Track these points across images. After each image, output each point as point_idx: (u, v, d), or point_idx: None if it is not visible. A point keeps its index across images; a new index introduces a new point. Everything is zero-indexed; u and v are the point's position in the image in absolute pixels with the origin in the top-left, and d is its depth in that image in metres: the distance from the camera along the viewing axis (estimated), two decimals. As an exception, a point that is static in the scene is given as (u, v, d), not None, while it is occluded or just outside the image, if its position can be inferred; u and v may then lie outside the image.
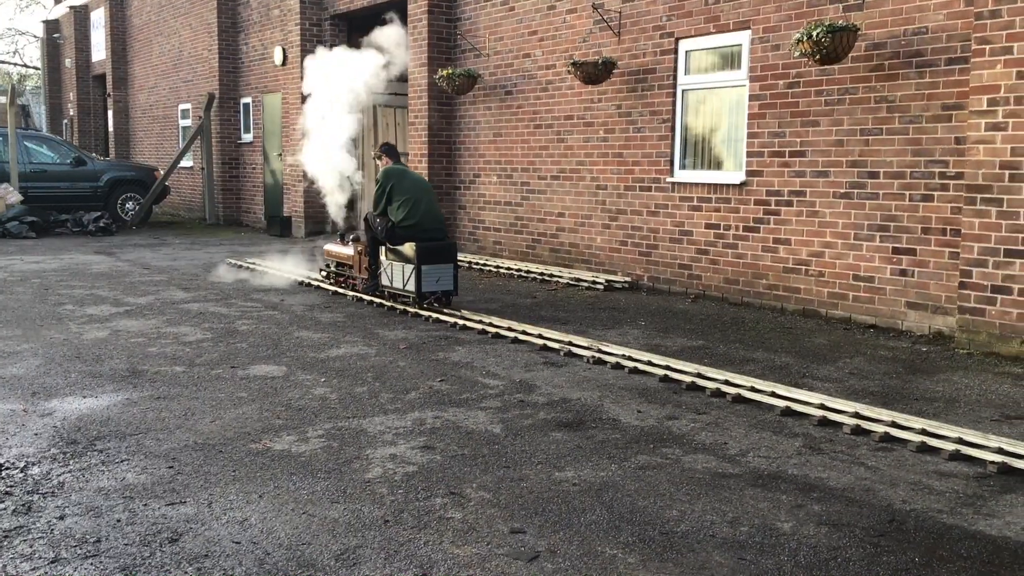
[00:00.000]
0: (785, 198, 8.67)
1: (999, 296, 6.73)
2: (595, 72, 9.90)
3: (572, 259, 11.21)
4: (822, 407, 5.32)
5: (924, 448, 4.64)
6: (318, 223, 16.25)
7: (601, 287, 10.12)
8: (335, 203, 10.95)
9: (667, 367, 6.31)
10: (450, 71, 11.76)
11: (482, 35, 12.37)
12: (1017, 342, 6.61)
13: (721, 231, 9.32)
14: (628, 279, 10.30)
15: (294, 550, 3.49)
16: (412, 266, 8.35)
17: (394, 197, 8.60)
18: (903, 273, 7.72)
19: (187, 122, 21.22)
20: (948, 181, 7.34)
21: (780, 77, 8.60)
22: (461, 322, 8.03)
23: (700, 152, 9.72)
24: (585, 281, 10.37)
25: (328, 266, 10.12)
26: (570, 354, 6.84)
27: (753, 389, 5.70)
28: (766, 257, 8.86)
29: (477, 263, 11.97)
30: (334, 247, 10.00)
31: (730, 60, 9.19)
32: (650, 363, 6.42)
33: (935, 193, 7.46)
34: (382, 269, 8.88)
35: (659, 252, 10.02)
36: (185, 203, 21.68)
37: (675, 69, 9.70)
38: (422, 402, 5.57)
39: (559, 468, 4.41)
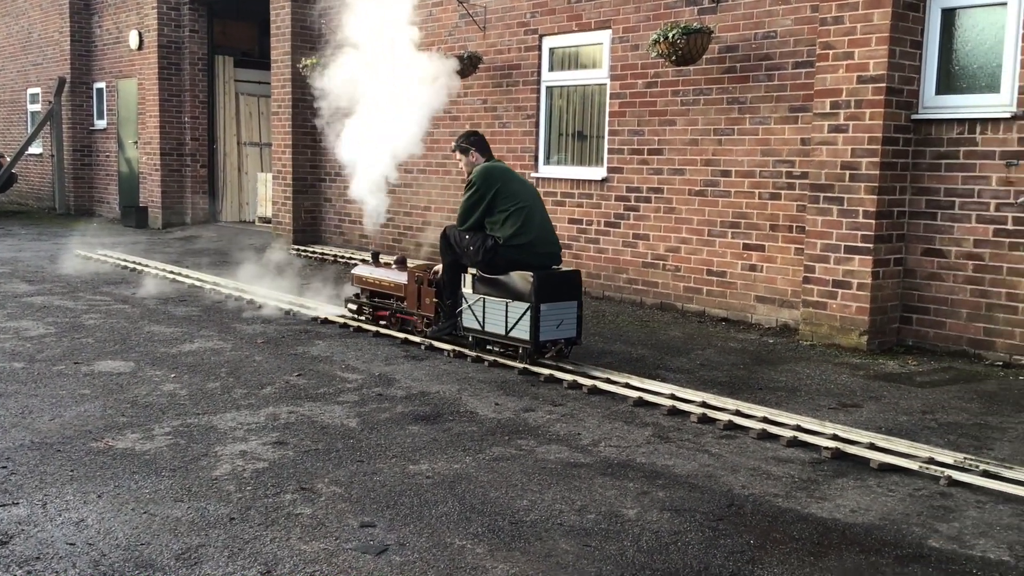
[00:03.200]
0: (644, 195, 8.88)
1: (840, 291, 7.08)
2: (461, 66, 9.89)
3: (437, 254, 11.17)
4: (672, 397, 5.49)
5: (765, 435, 4.84)
6: (177, 214, 15.73)
7: (466, 281, 10.13)
8: (374, 209, 8.25)
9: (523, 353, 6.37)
10: (314, 60, 11.56)
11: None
12: (856, 334, 6.97)
13: (584, 226, 9.48)
14: (493, 273, 10.34)
15: (132, 550, 3.37)
16: (524, 304, 6.06)
17: (498, 206, 6.31)
18: (752, 268, 8.03)
19: (36, 107, 20.15)
20: (794, 180, 7.67)
21: (639, 76, 8.80)
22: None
23: (564, 148, 9.86)
24: (450, 275, 10.36)
25: (358, 296, 7.69)
26: (431, 348, 6.83)
27: (608, 381, 5.83)
28: (626, 252, 9.06)
29: (342, 257, 11.82)
30: (368, 271, 7.52)
31: (592, 59, 9.36)
32: (509, 355, 6.47)
33: (782, 192, 7.78)
34: (467, 305, 6.49)
35: (523, 246, 10.10)
36: (34, 192, 20.59)
37: (539, 66, 9.81)
38: (277, 397, 5.47)
39: (414, 461, 4.40)
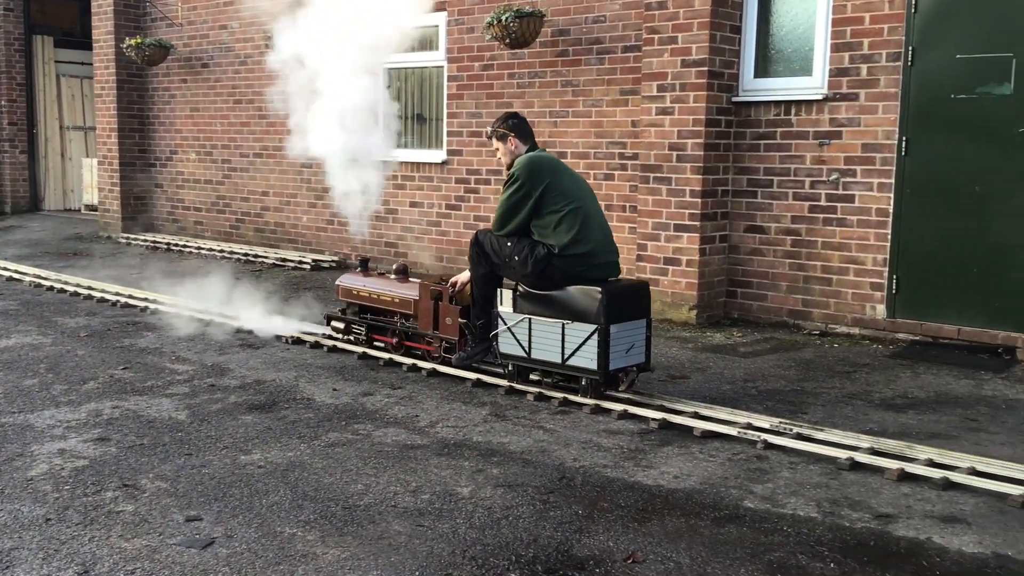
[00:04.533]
0: (484, 177, 8.94)
1: (670, 267, 7.34)
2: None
3: (278, 239, 10.95)
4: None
5: (598, 410, 4.97)
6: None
7: (308, 267, 9.97)
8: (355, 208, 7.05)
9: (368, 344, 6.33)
10: (139, 40, 11.06)
11: (173, 3, 11.71)
12: (686, 309, 7.24)
13: (425, 209, 9.47)
14: (336, 258, 10.22)
15: (-66, 561, 3.17)
16: (589, 327, 4.96)
17: (548, 206, 5.16)
18: (590, 247, 8.21)
19: None
20: (626, 161, 7.89)
21: (476, 59, 8.84)
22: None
23: (404, 131, 9.80)
24: (292, 261, 10.17)
25: (344, 312, 6.46)
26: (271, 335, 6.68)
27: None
28: (468, 235, 9.10)
29: (176, 244, 11.39)
30: (361, 282, 6.28)
31: (429, 41, 9.33)
32: (350, 340, 6.41)
33: (616, 172, 8.00)
34: (506, 326, 5.33)
35: (366, 231, 10.01)
36: None
37: (376, 47, 9.69)
38: (100, 392, 5.24)
39: (245, 451, 4.31)
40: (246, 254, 10.63)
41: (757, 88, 7.16)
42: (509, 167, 5.41)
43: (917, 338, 6.58)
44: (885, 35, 6.48)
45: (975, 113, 6.20)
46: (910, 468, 4.02)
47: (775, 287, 7.21)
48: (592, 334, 4.95)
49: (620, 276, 5.40)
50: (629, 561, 3.21)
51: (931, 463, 4.09)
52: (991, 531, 3.46)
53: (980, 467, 4.03)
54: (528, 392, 5.27)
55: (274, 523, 3.52)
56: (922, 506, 3.71)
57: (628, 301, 5.12)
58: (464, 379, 5.58)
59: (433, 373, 5.71)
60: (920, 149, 6.45)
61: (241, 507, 3.67)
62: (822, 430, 4.54)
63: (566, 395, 5.13)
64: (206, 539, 3.37)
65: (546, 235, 5.14)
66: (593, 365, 4.96)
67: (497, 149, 5.57)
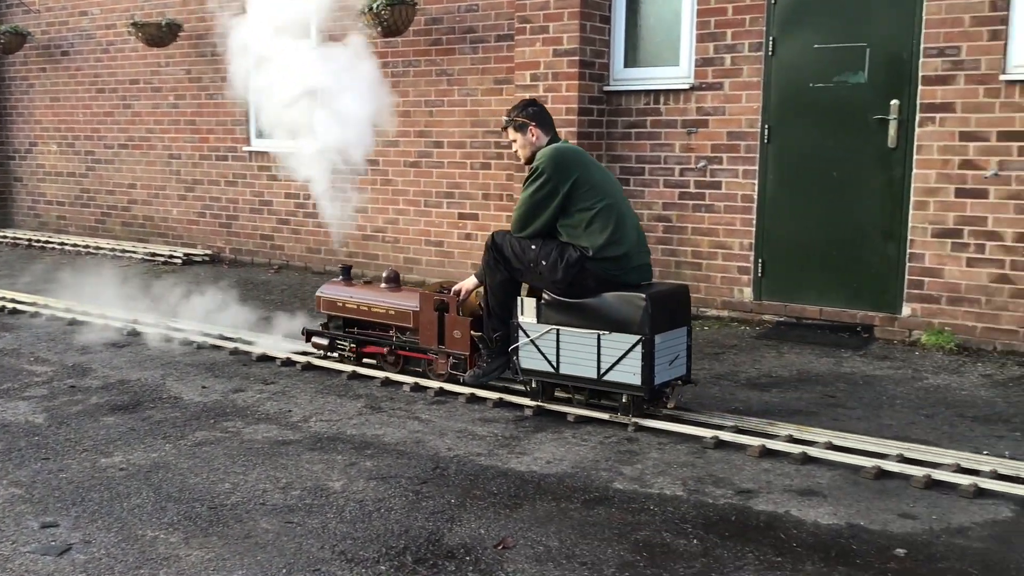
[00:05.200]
0: (360, 167, 8.83)
1: (547, 255, 7.40)
2: (159, 34, 9.37)
3: (148, 233, 10.58)
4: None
5: (474, 399, 4.98)
6: None
7: (179, 261, 9.67)
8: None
9: (240, 339, 6.18)
10: (-6, 26, 10.50)
11: (31, -12, 11.16)
12: (563, 296, 7.32)
13: (301, 200, 9.30)
14: (209, 252, 9.94)
15: None
16: (631, 337, 4.45)
17: (577, 203, 4.63)
18: (468, 237, 8.22)
19: None
20: (502, 150, 7.91)
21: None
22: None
23: (278, 121, 9.58)
24: (162, 255, 9.85)
25: (326, 326, 5.75)
26: (134, 332, 6.45)
27: (324, 356, 5.76)
28: (346, 225, 8.99)
29: (39, 241, 10.88)
30: (346, 293, 5.63)
31: (301, 29, 9.13)
32: (221, 336, 6.25)
33: (492, 162, 8.01)
34: (529, 339, 4.77)
35: (240, 223, 9.78)
36: None
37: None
38: (-50, 397, 4.97)
39: (107, 454, 4.15)
40: (113, 249, 10.24)
41: (627, 78, 7.28)
42: (528, 161, 4.90)
43: (782, 319, 6.82)
44: (747, 25, 6.68)
45: (832, 101, 6.45)
46: (771, 445, 4.17)
47: (649, 273, 7.35)
48: (635, 346, 4.43)
49: (651, 280, 4.85)
50: (499, 547, 3.23)
51: (791, 439, 4.25)
52: (845, 503, 3.62)
53: (837, 442, 4.21)
54: (404, 383, 5.24)
55: (135, 526, 3.41)
56: (782, 481, 3.85)
57: (670, 307, 4.60)
58: (340, 372, 5.51)
59: (308, 367, 5.62)
60: (782, 136, 6.68)
61: (100, 511, 3.53)
62: (690, 411, 4.66)
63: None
64: (62, 546, 3.24)
65: (576, 236, 4.60)
66: (636, 380, 4.43)
67: (514, 141, 4.98)
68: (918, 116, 6.10)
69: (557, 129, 5.03)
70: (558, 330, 4.67)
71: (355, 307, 5.53)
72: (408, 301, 5.32)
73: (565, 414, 4.68)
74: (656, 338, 4.44)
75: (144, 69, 10.26)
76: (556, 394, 4.83)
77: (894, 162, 6.25)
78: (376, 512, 3.53)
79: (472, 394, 4.99)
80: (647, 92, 7.14)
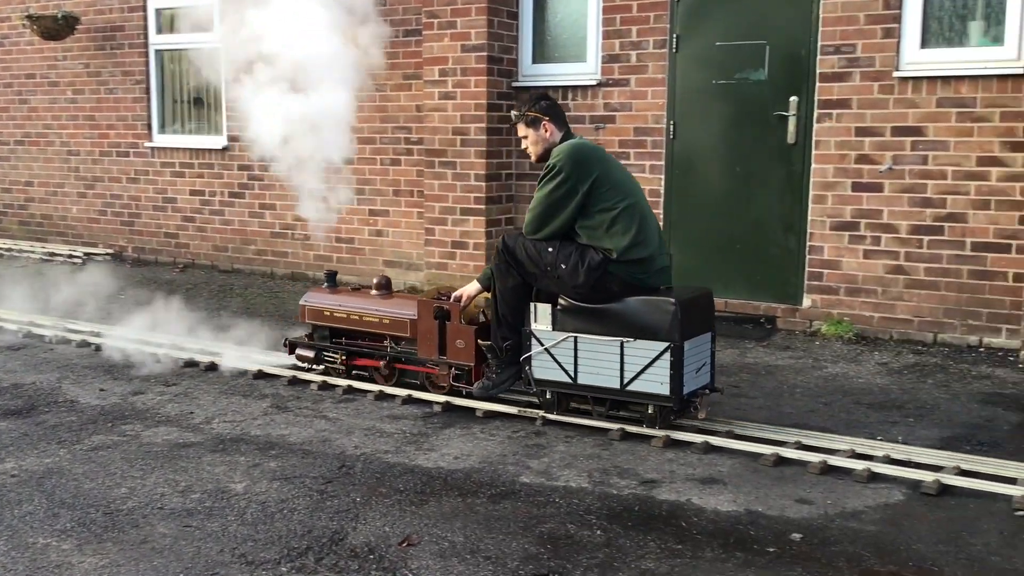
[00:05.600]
0: (268, 163, 8.68)
1: (458, 251, 7.40)
2: (55, 27, 9.06)
3: (46, 232, 10.23)
4: (294, 367, 5.43)
5: (382, 396, 4.94)
6: None
7: (80, 261, 9.37)
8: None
9: (142, 341, 6.02)
10: None
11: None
12: (474, 291, 7.32)
13: (207, 197, 9.10)
14: (110, 251, 9.66)
15: None
16: (658, 344, 4.19)
17: (597, 203, 4.35)
18: (379, 234, 8.16)
19: None
20: (412, 146, 7.87)
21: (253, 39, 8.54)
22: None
23: (181, 116, 9.37)
24: (61, 255, 9.53)
25: (311, 336, 5.33)
26: (31, 335, 6.23)
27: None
28: (253, 223, 8.83)
29: (-71, 241, 10.43)
30: (334, 301, 5.25)
31: (202, 21, 8.94)
32: (122, 337, 6.07)
33: (402, 158, 7.96)
34: (543, 347, 4.46)
35: (142, 221, 9.52)
36: None
37: (146, 28, 9.21)
38: None
39: (-3, 461, 4.00)
40: (9, 249, 9.87)
41: (536, 73, 7.31)
42: (540, 158, 4.59)
43: (690, 312, 6.93)
44: (651, 23, 6.77)
45: (735, 97, 6.58)
46: (675, 435, 4.23)
47: (559, 268, 7.39)
48: (663, 353, 4.16)
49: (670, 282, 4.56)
50: (404, 545, 3.21)
51: (696, 430, 4.32)
52: (745, 490, 3.69)
53: (738, 430, 4.29)
54: (312, 381, 5.16)
55: (26, 534, 3.29)
56: (684, 470, 3.91)
57: (697, 312, 4.36)
58: (245, 371, 5.41)
59: (211, 367, 5.50)
60: (686, 132, 6.79)
61: (-12, 521, 3.40)
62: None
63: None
64: (-55, 558, 3.11)
65: (597, 238, 4.32)
66: (664, 390, 4.17)
67: (524, 137, 4.65)
68: (816, 112, 6.27)
69: (463, 124, 5.01)
70: (576, 338, 4.35)
71: (345, 316, 5.13)
72: (405, 309, 4.96)
73: (474, 409, 4.67)
74: (685, 345, 4.19)
75: (40, 63, 9.91)
76: (572, 405, 4.51)
77: (794, 157, 6.41)
78: (279, 513, 3.48)
79: (380, 392, 4.95)
80: (555, 88, 7.17)
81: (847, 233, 6.26)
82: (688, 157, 6.81)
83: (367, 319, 5.07)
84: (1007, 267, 5.81)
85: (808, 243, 6.40)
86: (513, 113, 4.75)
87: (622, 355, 4.25)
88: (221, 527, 3.36)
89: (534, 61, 7.34)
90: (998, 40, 5.76)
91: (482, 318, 4.82)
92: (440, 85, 7.26)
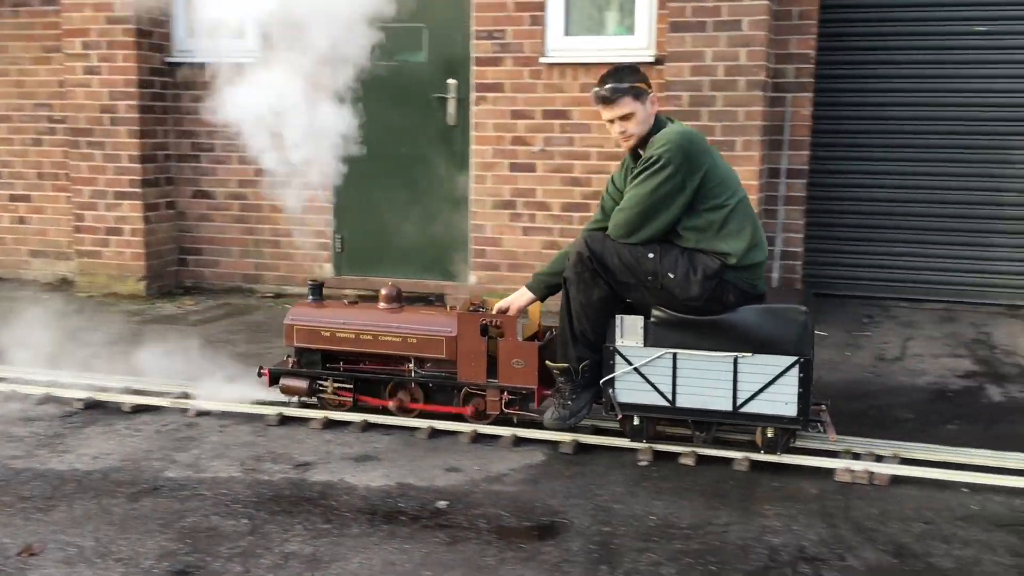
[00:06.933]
0: None
1: (113, 238, 6.91)
2: None
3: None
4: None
5: (14, 396, 4.51)
6: None
7: None
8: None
9: None
10: None
11: None
12: (133, 280, 6.88)
13: None
14: None
15: None
16: (784, 360, 3.65)
17: (707, 200, 3.71)
18: (22, 221, 7.45)
19: None
20: (56, 125, 7.24)
21: None
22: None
23: None
24: None
25: (297, 362, 4.33)
26: None
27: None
28: None
29: None
30: (331, 318, 4.29)
31: None
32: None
33: (44, 137, 7.31)
34: (633, 367, 3.81)
35: None
36: None
37: None
38: None
39: None
40: None
41: (191, 48, 6.96)
42: (635, 145, 3.81)
43: (362, 292, 6.94)
44: (311, 1, 6.65)
45: (396, 79, 6.64)
46: (335, 416, 4.21)
47: (227, 252, 7.14)
48: (789, 368, 3.65)
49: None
50: (23, 555, 2.94)
51: (356, 408, 4.32)
52: (399, 463, 3.75)
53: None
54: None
55: None
56: (341, 450, 3.90)
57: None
58: None
59: None
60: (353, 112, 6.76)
61: None
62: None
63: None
64: None
65: (707, 240, 3.71)
66: (790, 410, 3.66)
67: (627, 117, 3.74)
68: (473, 95, 6.48)
69: (112, 101, 4.65)
70: (675, 354, 3.79)
71: (353, 337, 4.22)
72: (441, 325, 4.14)
73: (121, 405, 4.38)
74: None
75: None
76: (660, 428, 3.94)
77: (455, 138, 6.60)
78: None
79: (13, 391, 4.51)
80: (213, 64, 6.87)
81: (507, 212, 6.54)
82: (356, 138, 6.78)
83: (384, 339, 4.18)
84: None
85: (472, 222, 6.62)
86: (606, 88, 3.77)
87: (735, 373, 3.71)
88: None
89: (190, 35, 6.98)
90: (631, 30, 6.25)
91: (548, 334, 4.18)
92: (83, 59, 6.72)
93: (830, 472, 3.60)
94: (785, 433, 3.73)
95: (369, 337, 4.20)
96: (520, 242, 6.54)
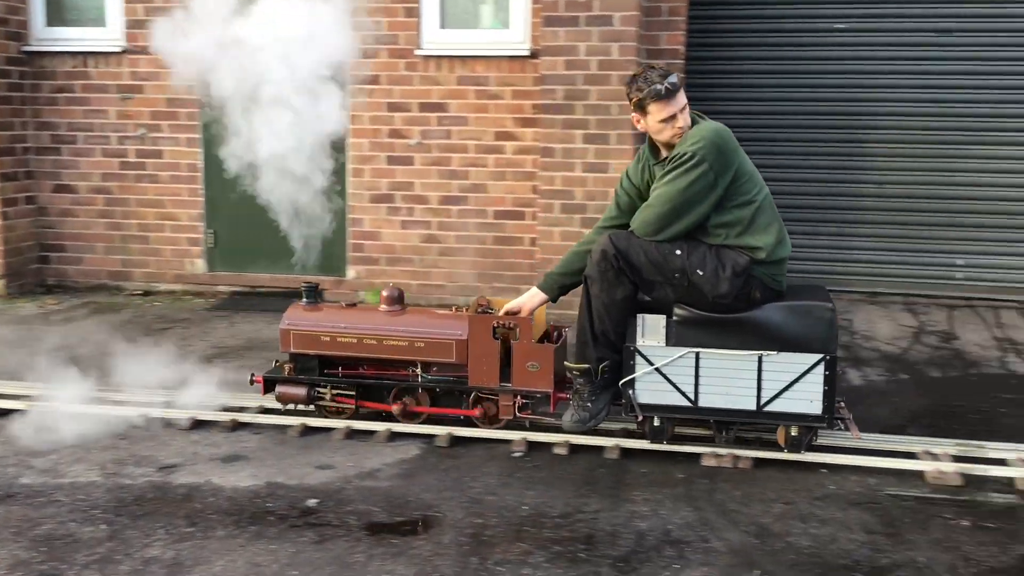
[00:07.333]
0: None
1: (-33, 235, 6.56)
2: None
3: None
4: None
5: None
6: None
7: None
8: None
9: None
10: None
11: None
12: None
13: None
14: None
15: None
16: (810, 357, 3.61)
17: (735, 196, 3.62)
18: None
19: None
20: (-98, 115, 6.81)
21: None
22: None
23: None
24: None
25: (293, 368, 4.11)
26: None
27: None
28: None
29: None
30: (330, 321, 4.08)
31: None
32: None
33: None
34: (654, 367, 3.70)
35: None
36: None
37: None
38: None
39: None
40: None
41: (51, 38, 6.69)
42: (664, 144, 3.67)
43: (237, 289, 6.79)
44: (177, -11, 6.45)
45: (269, 71, 6.49)
46: (202, 415, 4.10)
47: (92, 249, 6.87)
48: (815, 366, 3.61)
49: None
50: None
51: (224, 408, 4.22)
52: (268, 463, 3.67)
53: (268, 405, 4.24)
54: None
55: None
56: (209, 451, 3.80)
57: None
58: None
59: None
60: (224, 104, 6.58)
61: None
62: (119, 391, 4.40)
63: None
64: None
65: (737, 236, 3.64)
66: (815, 408, 3.63)
67: (673, 116, 3.59)
68: (350, 87, 6.38)
69: None
70: (698, 353, 3.70)
71: (356, 341, 4.02)
72: (448, 328, 3.98)
73: (-27, 410, 4.17)
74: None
75: None
76: (679, 430, 3.85)
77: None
78: None
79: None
80: (74, 54, 6.62)
81: (385, 205, 6.49)
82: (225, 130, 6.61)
83: (389, 343, 4.00)
84: (524, 233, 6.37)
85: (349, 216, 6.53)
86: (673, 79, 3.61)
87: (759, 371, 3.66)
88: None
89: (48, 24, 6.68)
90: (506, 24, 6.27)
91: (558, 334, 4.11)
92: (-69, 46, 6.35)
93: (697, 457, 3.70)
94: (809, 431, 3.71)
95: (373, 341, 4.01)
96: (398, 236, 6.49)
